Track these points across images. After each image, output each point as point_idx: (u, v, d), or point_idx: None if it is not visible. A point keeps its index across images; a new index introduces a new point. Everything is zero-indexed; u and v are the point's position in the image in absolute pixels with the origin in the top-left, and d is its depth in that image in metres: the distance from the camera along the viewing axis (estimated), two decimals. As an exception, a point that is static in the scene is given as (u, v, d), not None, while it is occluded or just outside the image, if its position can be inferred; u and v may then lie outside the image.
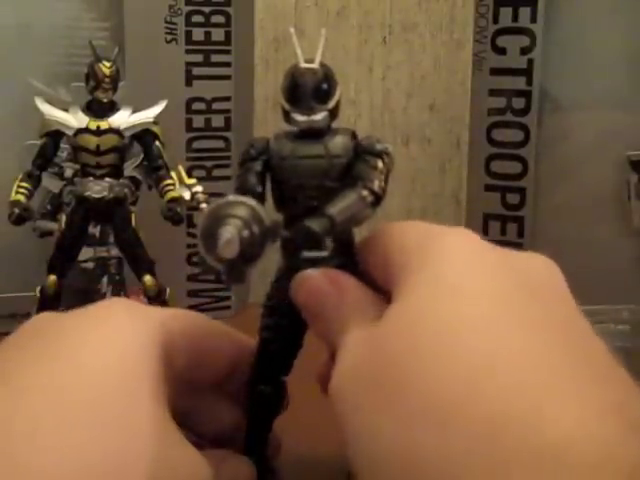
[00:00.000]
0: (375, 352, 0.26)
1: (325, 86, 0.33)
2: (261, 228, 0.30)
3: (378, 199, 0.32)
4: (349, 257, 0.34)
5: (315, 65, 0.33)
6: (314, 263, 0.33)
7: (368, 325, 0.27)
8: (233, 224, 0.29)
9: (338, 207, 0.31)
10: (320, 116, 0.33)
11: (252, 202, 0.30)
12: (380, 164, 0.33)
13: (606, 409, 0.22)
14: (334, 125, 0.34)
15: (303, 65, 0.33)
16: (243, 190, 0.33)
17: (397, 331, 0.25)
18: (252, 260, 0.30)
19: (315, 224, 0.31)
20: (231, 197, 0.31)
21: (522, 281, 0.27)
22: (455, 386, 0.23)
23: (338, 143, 0.33)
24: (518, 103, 0.60)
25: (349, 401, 0.26)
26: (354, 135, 0.34)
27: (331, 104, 0.33)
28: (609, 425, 0.21)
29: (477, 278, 0.26)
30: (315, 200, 0.33)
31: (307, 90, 0.33)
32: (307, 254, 0.32)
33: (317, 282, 0.31)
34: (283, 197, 0.34)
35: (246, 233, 0.29)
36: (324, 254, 0.32)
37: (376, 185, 0.32)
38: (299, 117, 0.33)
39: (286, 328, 0.35)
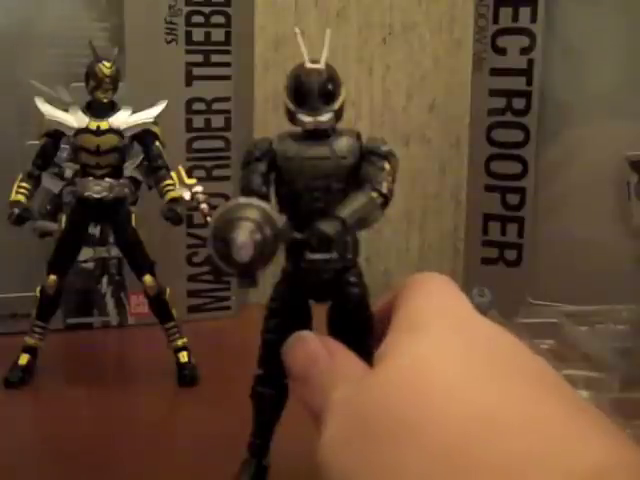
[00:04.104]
0: (361, 412, 0.25)
1: (331, 87, 0.33)
2: (273, 230, 0.29)
3: (387, 201, 0.33)
4: (351, 260, 0.34)
5: (321, 65, 0.33)
6: (318, 265, 0.33)
7: (353, 388, 0.26)
8: (245, 227, 0.28)
9: (349, 209, 0.31)
10: (326, 117, 0.33)
11: (263, 204, 0.30)
12: (387, 165, 0.33)
13: (622, 441, 0.22)
14: (338, 126, 0.34)
15: (309, 65, 0.33)
16: (248, 191, 0.33)
17: (383, 390, 0.25)
18: (264, 263, 0.29)
19: (328, 227, 0.30)
20: (241, 199, 0.30)
21: (497, 350, 0.26)
22: (450, 439, 0.22)
23: (344, 144, 0.33)
24: (518, 103, 0.60)
25: (337, 468, 0.25)
26: (359, 136, 0.34)
27: (336, 105, 0.33)
28: (637, 451, 0.21)
29: (457, 346, 0.26)
30: (320, 201, 0.33)
31: (313, 90, 0.33)
32: (312, 256, 0.32)
33: (311, 345, 0.30)
34: (288, 198, 0.33)
35: (259, 236, 0.28)
36: (328, 256, 0.32)
37: (384, 187, 0.33)
38: (305, 118, 0.33)
39: (289, 330, 0.35)
